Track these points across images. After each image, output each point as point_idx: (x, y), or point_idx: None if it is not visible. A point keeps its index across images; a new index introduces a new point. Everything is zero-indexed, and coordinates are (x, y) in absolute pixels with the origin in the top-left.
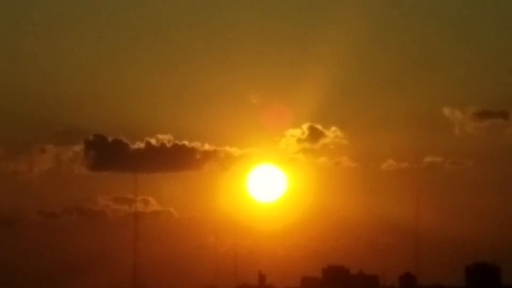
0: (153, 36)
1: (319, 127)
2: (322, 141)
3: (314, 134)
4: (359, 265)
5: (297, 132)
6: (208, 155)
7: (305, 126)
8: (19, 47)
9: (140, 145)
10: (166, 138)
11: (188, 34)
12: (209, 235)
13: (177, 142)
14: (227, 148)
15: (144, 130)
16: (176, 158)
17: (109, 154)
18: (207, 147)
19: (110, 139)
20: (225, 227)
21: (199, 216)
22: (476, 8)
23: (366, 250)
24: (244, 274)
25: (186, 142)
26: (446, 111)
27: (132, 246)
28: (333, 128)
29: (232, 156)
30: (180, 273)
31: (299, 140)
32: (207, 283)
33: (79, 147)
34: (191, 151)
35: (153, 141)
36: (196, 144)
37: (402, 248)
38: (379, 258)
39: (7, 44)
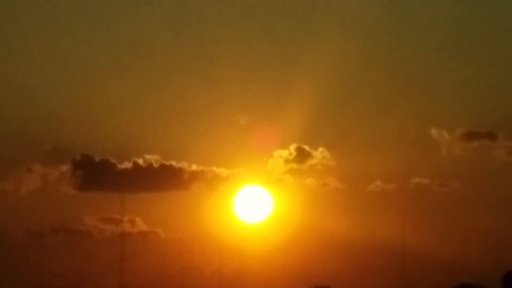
0: (140, 55)
1: (306, 148)
2: (310, 162)
3: (302, 155)
4: (346, 286)
5: (284, 153)
6: (195, 176)
7: (292, 147)
8: (4, 64)
9: (128, 165)
10: (153, 158)
11: (176, 53)
12: (196, 255)
13: (164, 162)
14: (215, 168)
15: (131, 150)
16: (163, 178)
17: (96, 174)
18: (194, 167)
19: (97, 159)
20: (212, 247)
21: (186, 237)
22: (464, 28)
23: (352, 271)
24: None
25: (173, 162)
26: (433, 132)
27: (118, 266)
28: (321, 149)
29: (220, 177)
30: None
31: (287, 161)
32: None
33: (66, 167)
34: (179, 171)
35: (140, 161)
36: (184, 165)
37: (388, 269)
38: (366, 279)
39: None
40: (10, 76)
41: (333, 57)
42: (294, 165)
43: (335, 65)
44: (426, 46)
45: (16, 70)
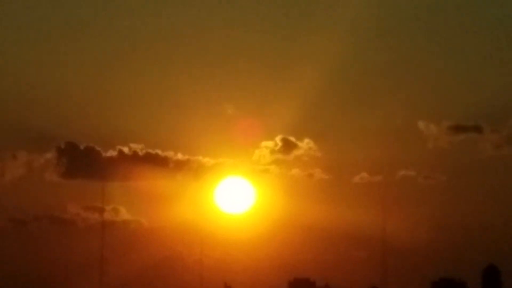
0: (128, 46)
1: (292, 139)
2: (295, 152)
3: (288, 146)
4: (326, 278)
5: (270, 144)
6: (181, 165)
7: (278, 138)
8: None
9: (113, 153)
10: (138, 146)
11: (164, 44)
12: (178, 245)
13: (149, 151)
14: (200, 157)
15: (116, 138)
16: (148, 167)
17: (81, 162)
18: (180, 156)
19: (82, 146)
20: (194, 237)
21: (168, 226)
22: (451, 23)
23: (334, 262)
24: (211, 285)
25: (159, 151)
26: (420, 124)
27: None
28: (307, 140)
29: (205, 166)
30: (148, 283)
31: (273, 152)
32: None
33: (51, 154)
34: (164, 160)
35: (125, 149)
36: (169, 153)
37: (370, 261)
38: (347, 271)
39: None
40: None
41: (320, 51)
42: (280, 156)
43: (322, 59)
44: (413, 42)
45: (3, 57)
